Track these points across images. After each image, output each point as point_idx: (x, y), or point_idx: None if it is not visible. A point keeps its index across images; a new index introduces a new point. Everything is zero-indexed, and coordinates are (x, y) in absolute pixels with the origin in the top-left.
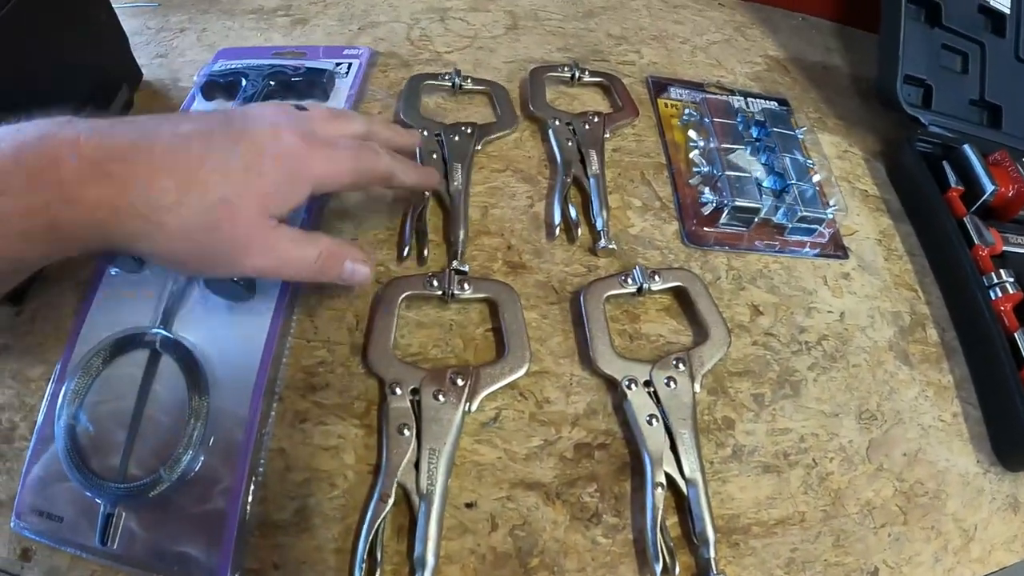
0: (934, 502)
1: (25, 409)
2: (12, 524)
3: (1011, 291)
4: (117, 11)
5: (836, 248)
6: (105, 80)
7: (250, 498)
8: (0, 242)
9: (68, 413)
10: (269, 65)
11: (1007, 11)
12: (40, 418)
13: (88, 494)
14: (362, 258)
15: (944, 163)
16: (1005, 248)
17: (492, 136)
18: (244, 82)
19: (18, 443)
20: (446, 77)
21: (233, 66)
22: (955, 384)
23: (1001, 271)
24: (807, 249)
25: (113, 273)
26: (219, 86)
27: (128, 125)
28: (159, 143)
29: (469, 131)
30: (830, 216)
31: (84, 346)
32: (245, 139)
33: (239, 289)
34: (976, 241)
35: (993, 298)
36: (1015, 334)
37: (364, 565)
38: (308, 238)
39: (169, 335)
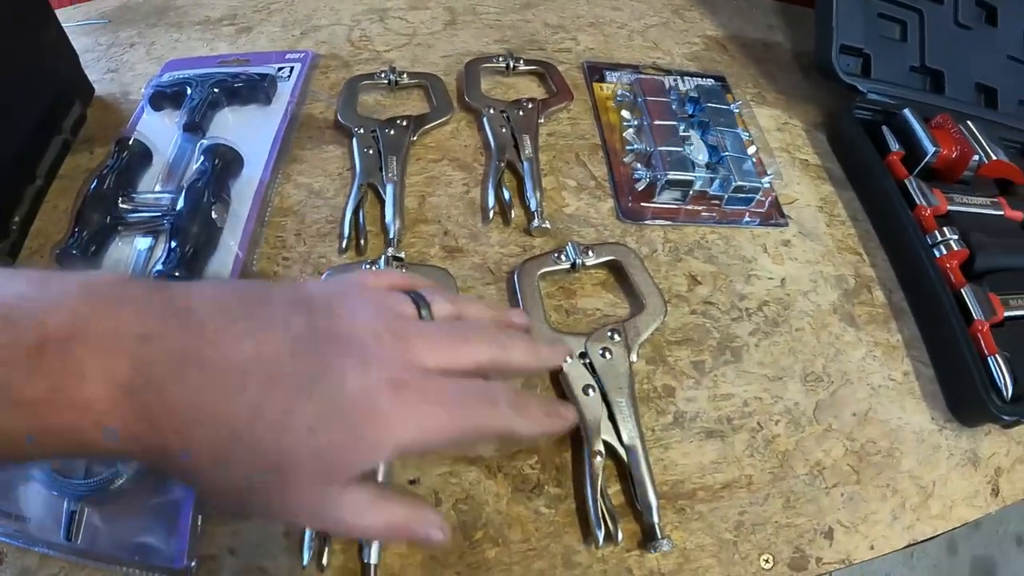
0: (888, 460)
1: None
2: None
3: (956, 248)
4: (67, 29)
5: (778, 216)
6: (58, 97)
7: None
8: None
9: None
10: (215, 73)
11: None
12: None
13: (53, 492)
14: (437, 523)
15: (884, 128)
16: (951, 208)
17: (428, 125)
18: (189, 91)
19: None
20: (381, 75)
21: (180, 76)
22: (905, 343)
23: (945, 229)
24: (747, 219)
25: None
26: (166, 96)
27: (174, 334)
28: (203, 378)
29: (404, 124)
30: (766, 185)
31: None
32: (322, 381)
33: None
34: (919, 202)
35: (937, 256)
36: (962, 290)
37: (312, 544)
38: (376, 505)
39: None
